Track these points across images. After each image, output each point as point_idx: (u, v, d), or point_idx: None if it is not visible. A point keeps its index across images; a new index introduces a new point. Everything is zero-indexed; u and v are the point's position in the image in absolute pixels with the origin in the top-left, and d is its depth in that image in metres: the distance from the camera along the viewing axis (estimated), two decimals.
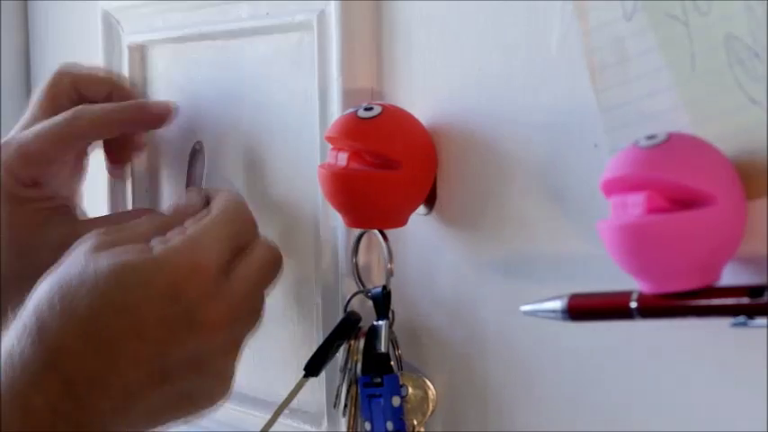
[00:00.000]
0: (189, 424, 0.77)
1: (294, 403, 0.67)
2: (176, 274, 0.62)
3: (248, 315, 0.64)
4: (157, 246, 0.62)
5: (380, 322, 0.65)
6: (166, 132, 0.82)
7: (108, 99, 0.80)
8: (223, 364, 0.63)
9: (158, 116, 0.80)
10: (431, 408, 0.64)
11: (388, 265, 0.65)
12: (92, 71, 0.82)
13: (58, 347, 0.60)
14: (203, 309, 0.62)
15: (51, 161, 0.77)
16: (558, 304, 0.53)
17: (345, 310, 0.67)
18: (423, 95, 0.64)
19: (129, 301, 0.61)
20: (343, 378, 0.66)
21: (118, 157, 0.84)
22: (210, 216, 0.64)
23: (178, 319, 0.61)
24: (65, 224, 0.78)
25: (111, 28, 0.86)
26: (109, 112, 0.78)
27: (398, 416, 0.64)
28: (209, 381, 0.64)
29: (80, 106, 0.78)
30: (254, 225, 0.66)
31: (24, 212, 0.77)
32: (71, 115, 0.77)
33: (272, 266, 0.66)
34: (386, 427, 0.64)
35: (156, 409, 0.63)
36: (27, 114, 0.80)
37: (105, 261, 0.61)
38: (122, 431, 0.62)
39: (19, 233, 0.77)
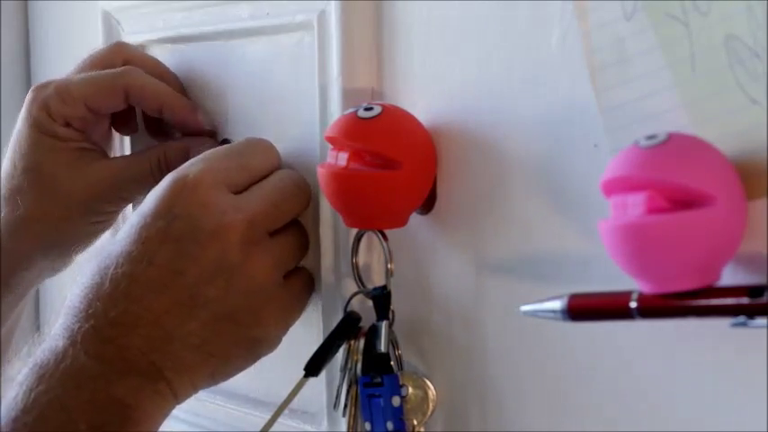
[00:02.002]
0: (192, 422, 0.77)
1: (294, 403, 0.67)
2: (168, 190, 0.64)
3: (266, 219, 0.65)
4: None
5: (380, 322, 0.65)
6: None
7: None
8: (250, 272, 0.64)
9: (196, 124, 0.78)
10: (431, 408, 0.64)
11: (388, 265, 0.65)
12: (146, 55, 0.81)
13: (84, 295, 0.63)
14: (206, 219, 0.63)
15: (90, 106, 0.76)
16: (557, 304, 0.53)
17: (345, 310, 0.67)
18: (423, 95, 0.64)
19: (134, 233, 0.64)
20: (344, 378, 0.66)
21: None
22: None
23: (182, 234, 0.63)
24: (93, 165, 0.77)
25: (111, 28, 0.86)
26: (160, 87, 0.77)
27: (398, 416, 0.64)
28: (242, 295, 0.64)
29: (134, 67, 0.77)
30: (270, 157, 0.68)
31: (54, 149, 0.76)
32: (122, 70, 0.77)
33: (291, 189, 0.67)
34: (386, 427, 0.64)
35: (201, 339, 0.63)
36: (71, 71, 0.79)
37: None
38: (179, 369, 0.63)
39: (46, 169, 0.76)
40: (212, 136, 0.78)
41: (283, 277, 0.67)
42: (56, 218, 0.75)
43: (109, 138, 0.81)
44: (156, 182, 0.66)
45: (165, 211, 0.64)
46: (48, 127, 0.76)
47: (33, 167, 0.76)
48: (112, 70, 0.77)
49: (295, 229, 0.69)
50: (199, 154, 0.68)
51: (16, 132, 0.77)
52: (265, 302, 0.65)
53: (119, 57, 0.79)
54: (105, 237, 0.79)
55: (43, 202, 0.76)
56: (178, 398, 0.64)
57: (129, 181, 0.76)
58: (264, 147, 0.70)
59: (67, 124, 0.76)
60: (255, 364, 0.75)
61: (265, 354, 0.67)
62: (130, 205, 0.80)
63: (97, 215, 0.77)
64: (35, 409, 0.60)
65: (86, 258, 0.78)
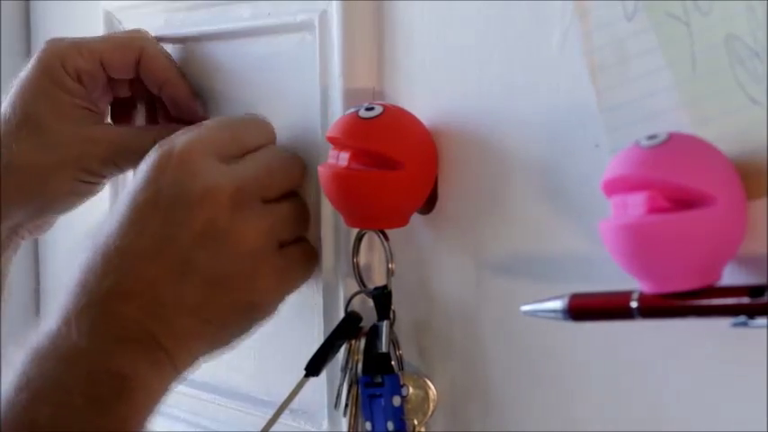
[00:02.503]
0: (192, 422, 0.77)
1: (294, 403, 0.67)
2: (156, 160, 0.64)
3: (257, 185, 0.65)
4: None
5: (381, 322, 0.65)
6: None
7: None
8: (242, 236, 0.64)
9: (190, 109, 0.78)
10: (431, 408, 0.64)
11: (389, 265, 0.65)
12: (160, 46, 0.80)
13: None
14: (193, 184, 0.63)
15: (104, 62, 0.76)
16: (558, 304, 0.53)
17: (346, 310, 0.67)
18: (424, 95, 0.64)
19: (124, 207, 0.64)
20: (344, 378, 0.66)
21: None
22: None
23: (170, 201, 0.63)
24: (95, 127, 0.77)
25: (112, 28, 0.86)
26: (170, 62, 0.78)
27: (399, 416, 0.64)
28: (234, 259, 0.64)
29: (150, 37, 0.78)
30: (264, 132, 0.69)
31: (60, 101, 0.76)
32: (140, 34, 0.78)
33: (284, 160, 0.68)
34: (386, 427, 0.64)
35: (196, 304, 0.63)
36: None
37: None
38: (176, 336, 0.63)
39: (48, 119, 0.76)
40: None
41: (282, 246, 0.67)
42: (46, 168, 0.74)
43: (106, 113, 0.81)
44: None
45: (153, 180, 0.64)
46: (58, 77, 0.75)
47: (35, 115, 0.75)
48: (130, 31, 0.79)
49: (293, 202, 0.68)
50: None
51: (22, 78, 0.76)
52: (259, 267, 0.65)
53: (137, 40, 0.79)
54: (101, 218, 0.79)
55: (37, 150, 0.75)
56: (177, 367, 0.63)
57: (127, 150, 0.75)
58: (258, 122, 0.70)
59: (79, 79, 0.76)
60: (256, 364, 0.75)
61: (261, 320, 0.66)
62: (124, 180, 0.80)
63: (87, 174, 0.76)
64: (29, 390, 0.60)
65: (84, 241, 0.77)
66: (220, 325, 0.64)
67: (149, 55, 0.77)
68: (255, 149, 0.67)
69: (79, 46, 0.76)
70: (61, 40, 0.77)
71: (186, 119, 0.77)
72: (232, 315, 0.65)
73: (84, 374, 0.61)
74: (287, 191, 0.68)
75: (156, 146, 0.66)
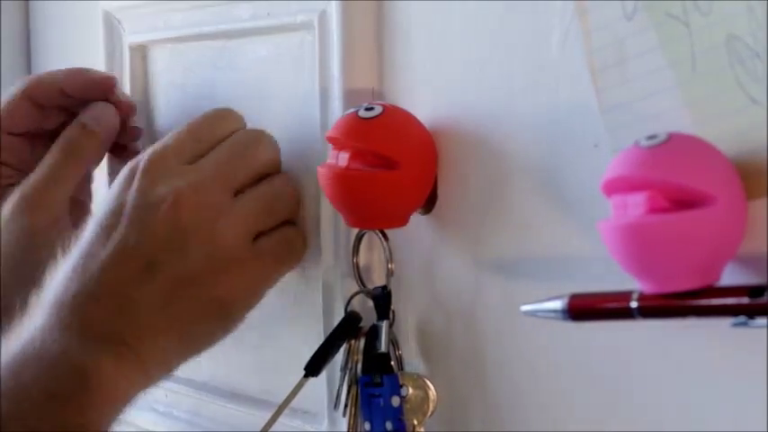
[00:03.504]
0: (192, 422, 0.77)
1: (294, 403, 0.67)
2: (121, 177, 0.66)
3: (221, 179, 0.66)
4: None
5: (381, 322, 0.65)
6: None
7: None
8: (207, 235, 0.64)
9: (98, 82, 0.79)
10: (431, 408, 0.64)
11: (389, 265, 0.65)
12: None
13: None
14: (155, 189, 0.64)
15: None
16: (558, 304, 0.53)
17: (346, 310, 0.67)
18: (424, 95, 0.64)
19: (92, 223, 0.65)
20: (344, 378, 0.66)
21: (120, 153, 0.84)
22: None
23: (133, 208, 0.64)
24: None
25: (112, 28, 0.86)
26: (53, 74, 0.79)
27: (398, 416, 0.64)
28: (200, 257, 0.64)
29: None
30: (228, 122, 0.69)
31: None
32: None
33: (248, 142, 0.68)
34: (386, 427, 0.64)
35: (164, 302, 0.63)
36: None
37: None
38: (142, 334, 0.63)
39: None
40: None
41: (263, 235, 0.67)
42: None
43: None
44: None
45: (118, 195, 0.66)
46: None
47: None
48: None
49: (269, 184, 0.68)
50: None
51: None
52: (227, 264, 0.65)
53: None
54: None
55: None
56: (146, 363, 0.63)
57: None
58: (220, 114, 0.70)
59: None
60: (256, 364, 0.75)
61: (235, 316, 0.66)
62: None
63: None
64: None
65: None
66: (190, 321, 0.65)
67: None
68: (223, 141, 0.68)
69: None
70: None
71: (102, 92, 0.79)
72: (202, 312, 0.65)
73: (45, 370, 0.61)
74: (258, 173, 0.68)
75: (125, 167, 0.67)
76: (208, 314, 0.65)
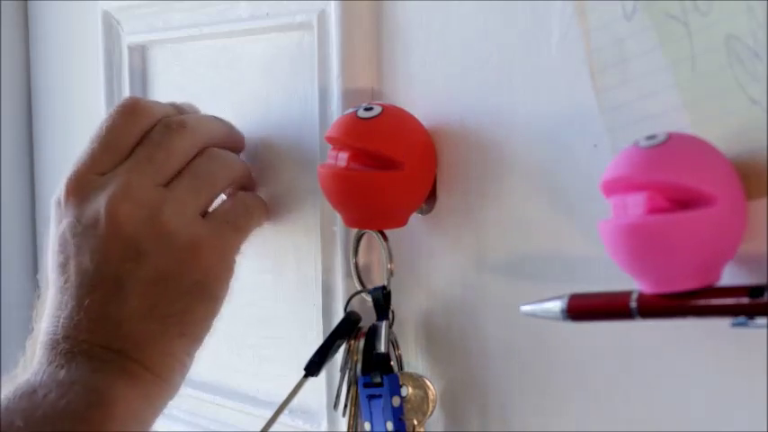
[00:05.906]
0: (192, 422, 0.77)
1: (294, 403, 0.67)
2: (53, 208, 0.66)
3: (144, 175, 0.65)
4: None
5: (380, 322, 0.65)
6: None
7: None
8: (155, 231, 0.64)
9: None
10: (431, 408, 0.64)
11: (388, 266, 0.65)
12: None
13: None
14: (87, 210, 0.64)
15: None
16: (558, 304, 0.53)
17: (345, 310, 0.67)
18: (423, 95, 0.64)
19: (48, 259, 0.66)
20: (343, 378, 0.66)
21: None
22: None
23: (75, 233, 0.64)
24: None
25: (111, 28, 0.86)
26: None
27: (398, 416, 0.64)
28: (160, 253, 0.64)
29: None
30: (136, 119, 0.67)
31: None
32: None
33: (164, 128, 0.67)
34: (386, 427, 0.64)
35: (148, 307, 0.63)
36: None
37: None
38: (142, 345, 0.63)
39: None
40: None
41: (213, 210, 0.67)
42: None
43: None
44: None
45: (56, 229, 0.65)
46: None
47: None
48: None
49: (199, 159, 0.67)
50: None
51: None
52: (188, 248, 0.65)
53: None
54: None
55: None
56: (156, 371, 0.64)
57: None
58: (125, 112, 0.68)
59: None
60: (255, 364, 0.75)
61: (218, 293, 0.66)
62: None
63: None
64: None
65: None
66: (181, 314, 0.65)
67: None
68: (143, 138, 0.67)
69: None
70: None
71: None
72: (187, 299, 0.65)
73: (59, 397, 0.61)
74: (182, 159, 0.67)
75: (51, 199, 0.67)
76: (193, 301, 0.65)
